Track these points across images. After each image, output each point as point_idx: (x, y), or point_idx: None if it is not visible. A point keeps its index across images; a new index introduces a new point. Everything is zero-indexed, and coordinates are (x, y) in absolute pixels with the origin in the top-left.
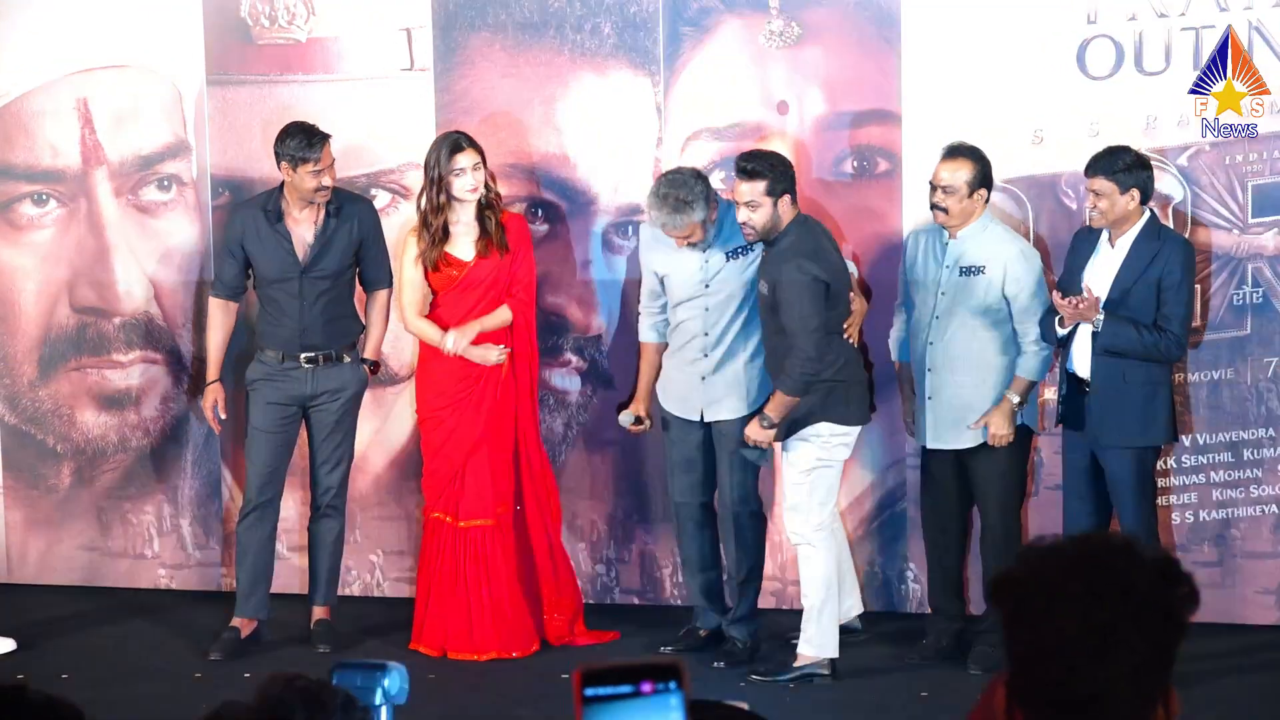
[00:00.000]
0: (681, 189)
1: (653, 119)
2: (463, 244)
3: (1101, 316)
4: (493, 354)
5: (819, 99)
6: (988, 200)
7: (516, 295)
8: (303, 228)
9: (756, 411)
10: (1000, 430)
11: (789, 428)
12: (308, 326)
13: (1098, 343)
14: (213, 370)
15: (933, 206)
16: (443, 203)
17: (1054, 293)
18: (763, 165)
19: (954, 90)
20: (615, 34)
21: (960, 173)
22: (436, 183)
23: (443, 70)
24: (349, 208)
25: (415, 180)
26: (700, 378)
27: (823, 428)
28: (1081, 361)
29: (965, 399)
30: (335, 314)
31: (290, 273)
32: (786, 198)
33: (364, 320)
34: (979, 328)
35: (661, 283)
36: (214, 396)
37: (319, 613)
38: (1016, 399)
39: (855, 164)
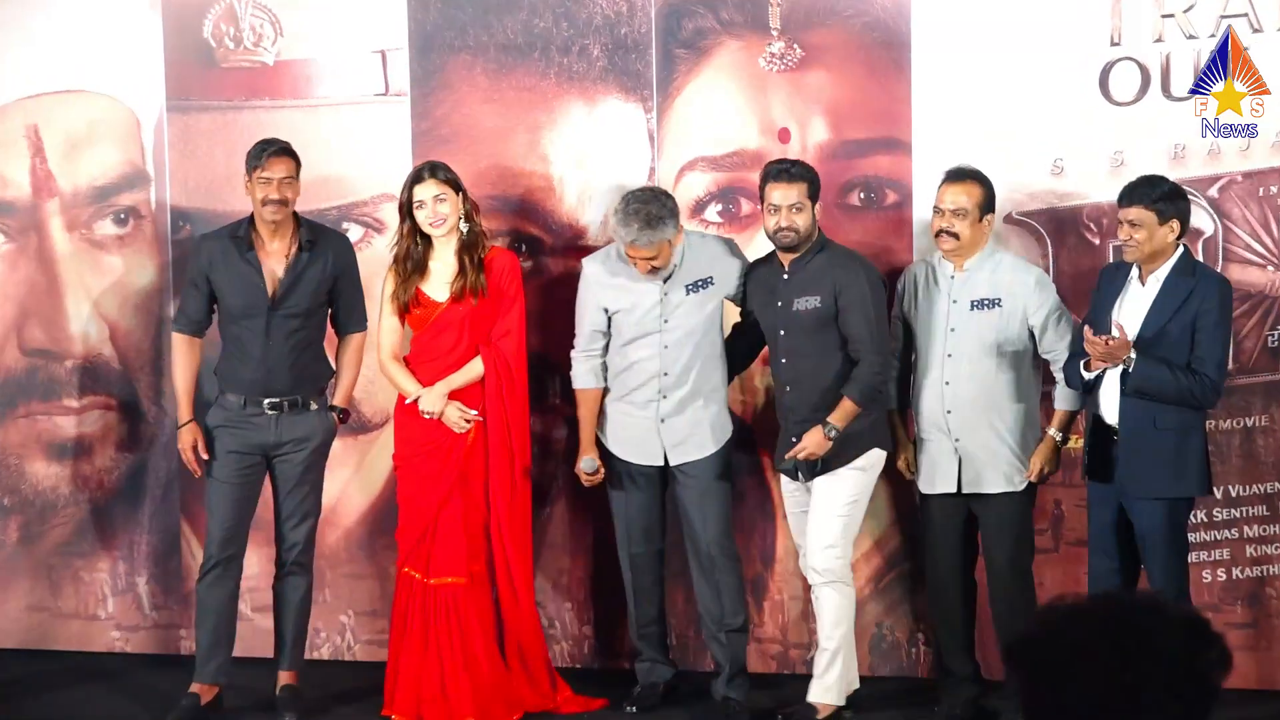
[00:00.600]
0: (653, 204)
1: (645, 147)
2: (437, 284)
3: (1134, 356)
4: (454, 417)
5: (823, 126)
6: (992, 228)
7: (495, 342)
8: (274, 260)
9: (722, 449)
10: (1046, 466)
11: (836, 457)
12: (273, 369)
13: (1128, 384)
14: (185, 410)
15: (940, 233)
16: (407, 235)
17: (1086, 328)
18: (802, 167)
19: (968, 117)
20: (605, 57)
21: (970, 195)
22: (404, 214)
23: (420, 95)
24: (324, 242)
25: (390, 213)
26: (659, 420)
27: (874, 454)
28: (1109, 407)
29: (988, 443)
30: (303, 357)
31: (257, 308)
32: (818, 205)
33: (334, 365)
34: (996, 365)
35: (609, 321)
36: (191, 437)
37: (285, 678)
38: (1059, 435)
39: (862, 195)
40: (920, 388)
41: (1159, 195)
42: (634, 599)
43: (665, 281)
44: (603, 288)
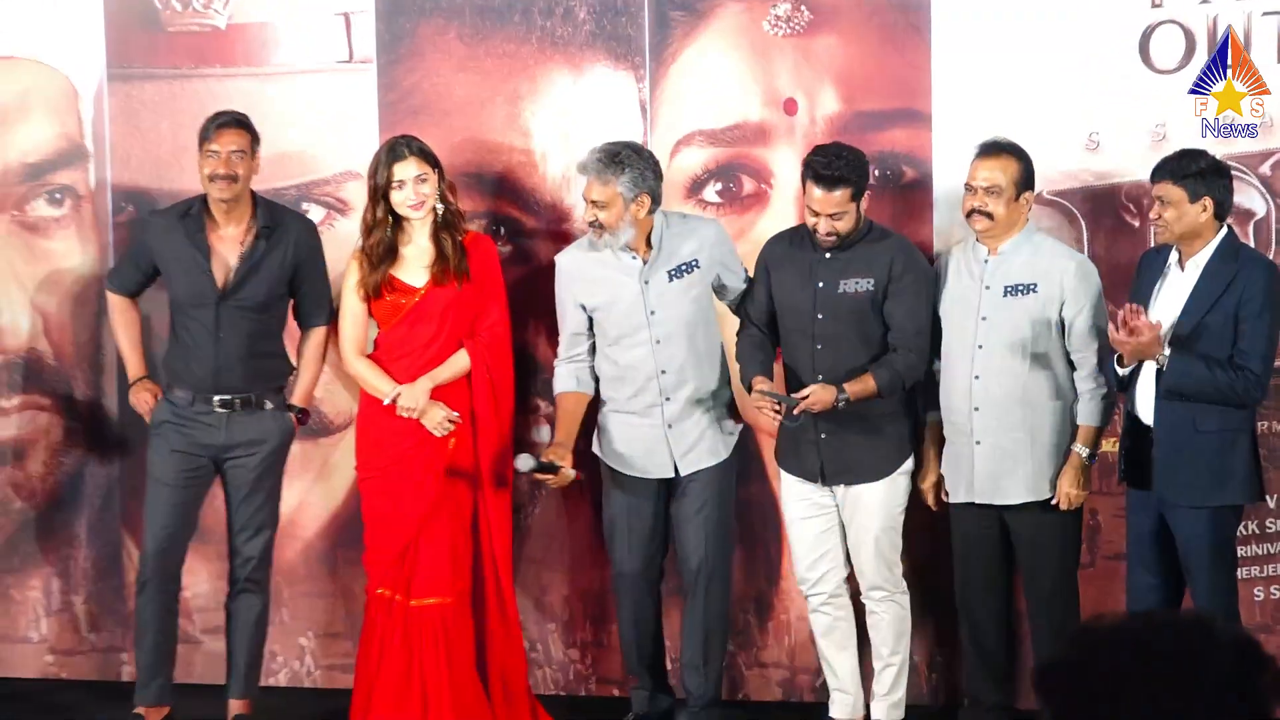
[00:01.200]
0: (624, 148)
1: (637, 120)
2: (413, 268)
3: (1167, 353)
4: (437, 418)
5: (833, 97)
6: (1030, 206)
7: (480, 335)
8: (226, 247)
9: (732, 456)
10: (1071, 489)
11: (876, 465)
12: (224, 364)
13: (1162, 384)
14: (135, 367)
15: (971, 213)
16: (381, 218)
17: (1110, 324)
18: (846, 165)
19: (993, 87)
20: (592, 20)
21: (1005, 171)
22: (376, 195)
23: (387, 63)
24: (285, 227)
25: (355, 192)
26: (666, 426)
27: (911, 461)
28: (1145, 405)
29: (1016, 447)
30: (259, 351)
31: (205, 299)
32: (865, 197)
33: (294, 361)
34: (1030, 358)
35: (590, 320)
36: (145, 393)
37: (237, 707)
38: (1085, 452)
39: (878, 173)
40: (947, 383)
41: (1192, 171)
42: (631, 622)
43: (645, 267)
44: (575, 283)
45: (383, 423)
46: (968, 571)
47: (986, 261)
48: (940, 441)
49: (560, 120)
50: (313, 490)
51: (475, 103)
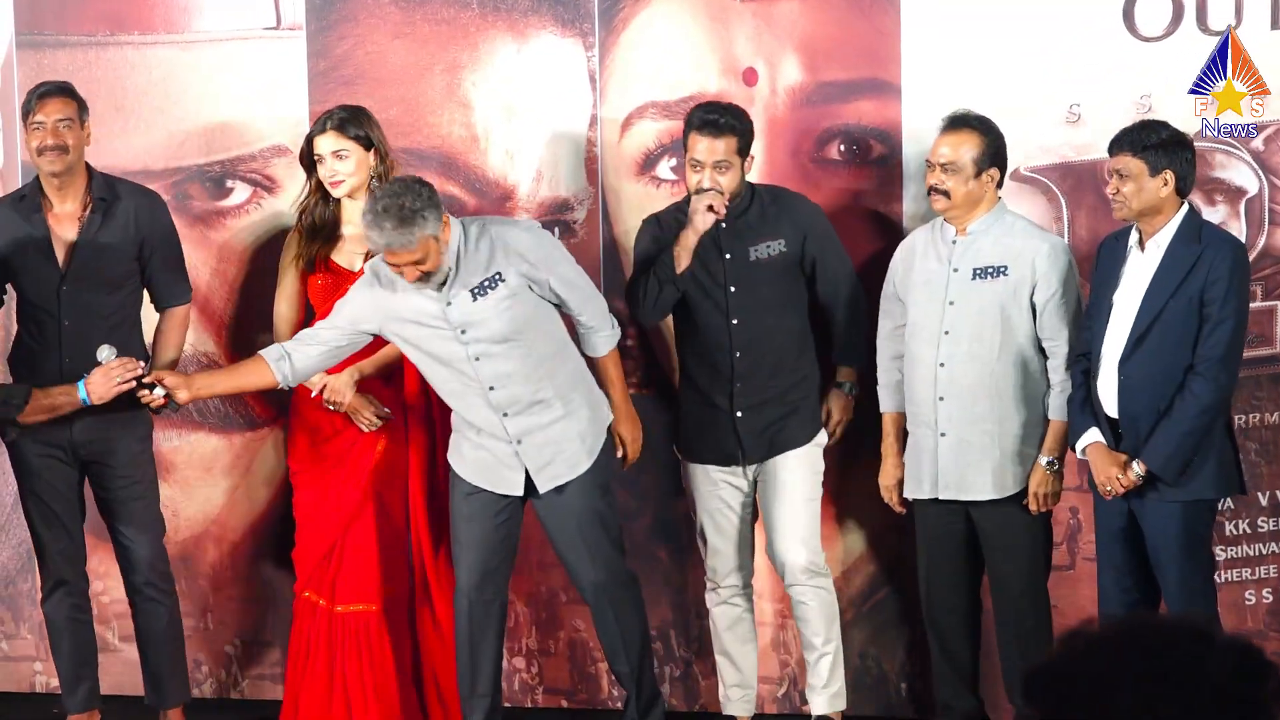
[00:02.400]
0: (405, 196)
1: (585, 91)
2: (350, 251)
3: (1142, 470)
4: (365, 415)
5: (796, 66)
6: (1000, 184)
7: None
8: (63, 226)
9: (599, 460)
10: (1040, 489)
11: (793, 434)
12: (73, 355)
13: (1166, 477)
14: None
15: (931, 190)
16: (313, 188)
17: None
18: (732, 116)
19: (967, 55)
20: None
21: (965, 147)
22: (306, 167)
23: (318, 30)
24: (126, 202)
25: (283, 169)
26: (515, 443)
27: (824, 434)
28: (1109, 398)
29: (983, 439)
30: (111, 339)
31: (48, 281)
32: (748, 160)
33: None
34: (1000, 346)
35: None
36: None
37: (173, 716)
38: (1046, 460)
39: (843, 147)
40: (910, 371)
41: (1152, 142)
42: (468, 652)
43: (440, 290)
44: (375, 311)
45: (315, 415)
46: (933, 572)
47: (955, 242)
48: (902, 436)
49: (503, 92)
50: (239, 489)
51: (412, 72)
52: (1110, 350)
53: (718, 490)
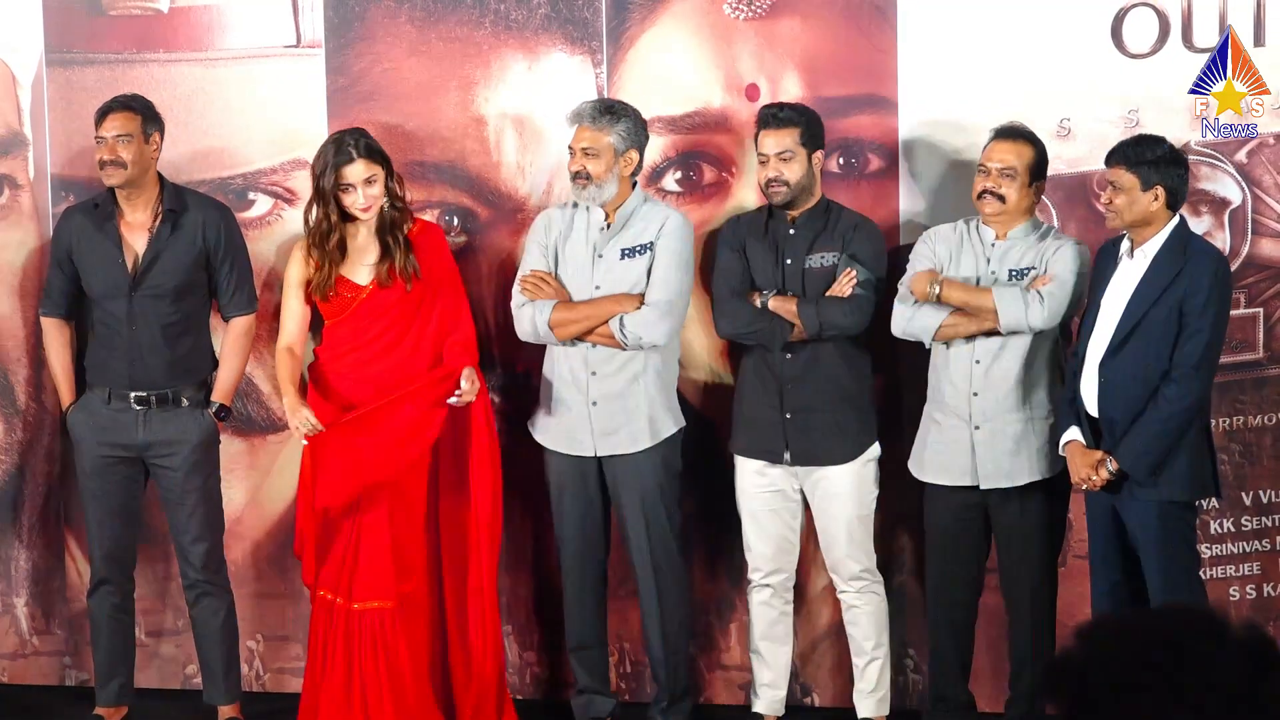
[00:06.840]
0: (619, 104)
1: None
2: (358, 266)
3: (1113, 467)
4: (300, 417)
5: (796, 82)
6: (1040, 197)
7: (454, 338)
8: (134, 235)
9: (662, 444)
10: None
11: (846, 448)
12: (138, 359)
13: (1137, 475)
14: (67, 393)
15: (983, 194)
16: (336, 221)
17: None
18: (793, 110)
19: (961, 72)
20: (547, 3)
21: (1022, 156)
22: (325, 196)
23: (336, 48)
24: (194, 212)
25: (303, 182)
26: (590, 403)
27: (877, 447)
28: (1090, 397)
29: (1019, 427)
30: (179, 346)
31: (118, 288)
32: (817, 155)
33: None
34: (1032, 343)
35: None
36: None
37: (226, 713)
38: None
39: (842, 161)
40: (943, 367)
41: (1146, 158)
42: (571, 615)
43: (603, 236)
44: (552, 226)
45: (340, 386)
46: (946, 560)
47: (994, 245)
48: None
49: (514, 107)
50: (262, 488)
51: (427, 89)
52: (1094, 351)
53: (762, 491)
